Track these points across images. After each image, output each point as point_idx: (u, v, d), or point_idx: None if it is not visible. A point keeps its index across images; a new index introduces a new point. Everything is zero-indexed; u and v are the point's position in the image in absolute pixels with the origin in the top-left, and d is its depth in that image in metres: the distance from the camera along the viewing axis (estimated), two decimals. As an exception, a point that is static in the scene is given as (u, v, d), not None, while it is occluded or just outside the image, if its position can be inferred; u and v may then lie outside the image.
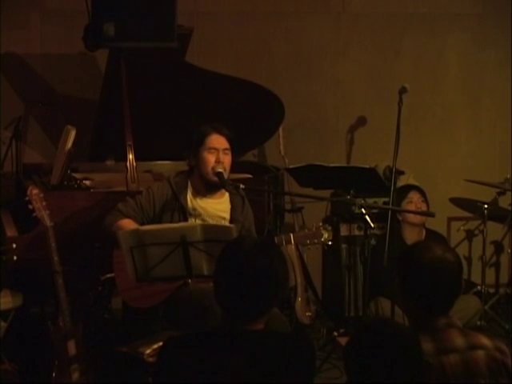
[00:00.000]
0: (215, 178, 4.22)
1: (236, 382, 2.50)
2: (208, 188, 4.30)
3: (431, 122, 6.44)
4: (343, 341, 3.54)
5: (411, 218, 5.44)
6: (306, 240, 4.43)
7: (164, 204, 4.26)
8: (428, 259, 2.65)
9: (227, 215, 4.33)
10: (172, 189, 4.29)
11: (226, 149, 4.27)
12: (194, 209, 4.29)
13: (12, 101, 5.72)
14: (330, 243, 4.48)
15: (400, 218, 5.49)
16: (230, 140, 4.29)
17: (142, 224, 4.13)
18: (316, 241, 4.42)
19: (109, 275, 4.57)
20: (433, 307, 2.65)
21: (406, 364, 2.31)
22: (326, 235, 4.41)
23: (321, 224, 4.45)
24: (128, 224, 4.14)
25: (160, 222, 4.21)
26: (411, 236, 5.42)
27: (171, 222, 4.20)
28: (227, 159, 4.27)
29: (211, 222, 4.24)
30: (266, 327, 2.61)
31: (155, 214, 4.26)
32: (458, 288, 2.69)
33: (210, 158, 4.24)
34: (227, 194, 4.35)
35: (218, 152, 4.25)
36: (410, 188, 5.53)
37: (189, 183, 4.33)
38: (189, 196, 4.31)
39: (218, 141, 4.27)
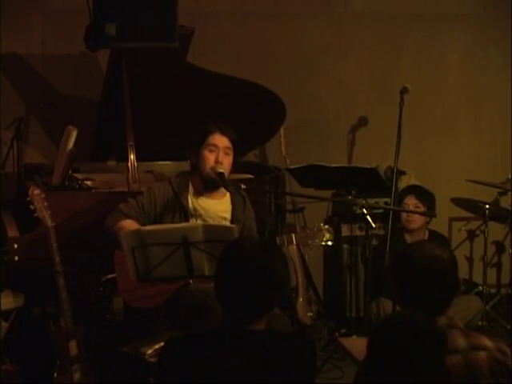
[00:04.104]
0: (213, 176, 4.21)
1: (237, 382, 2.50)
2: (208, 187, 4.29)
3: (432, 123, 6.44)
4: (344, 341, 3.55)
5: (404, 223, 5.40)
6: (308, 240, 4.43)
7: (165, 204, 4.25)
8: (418, 258, 2.62)
9: (228, 215, 4.33)
10: (173, 189, 4.28)
11: (227, 147, 4.24)
12: (195, 209, 4.28)
13: (13, 101, 5.71)
14: (330, 243, 4.47)
15: (400, 226, 5.44)
16: (232, 141, 4.26)
17: (144, 224, 4.12)
18: (317, 241, 4.42)
19: (110, 276, 4.58)
20: (429, 307, 2.62)
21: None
22: (327, 235, 4.41)
23: (322, 224, 4.45)
24: (129, 224, 4.13)
25: (161, 222, 4.20)
26: (413, 237, 5.39)
27: (172, 222, 4.19)
28: (227, 160, 4.25)
29: (212, 222, 4.24)
30: (267, 327, 2.61)
31: (156, 214, 4.25)
32: (454, 285, 2.65)
33: (210, 157, 4.22)
34: (228, 195, 4.34)
35: (218, 150, 4.22)
36: (407, 193, 5.46)
37: (190, 184, 4.32)
38: (190, 196, 4.30)
39: (219, 139, 4.24)
